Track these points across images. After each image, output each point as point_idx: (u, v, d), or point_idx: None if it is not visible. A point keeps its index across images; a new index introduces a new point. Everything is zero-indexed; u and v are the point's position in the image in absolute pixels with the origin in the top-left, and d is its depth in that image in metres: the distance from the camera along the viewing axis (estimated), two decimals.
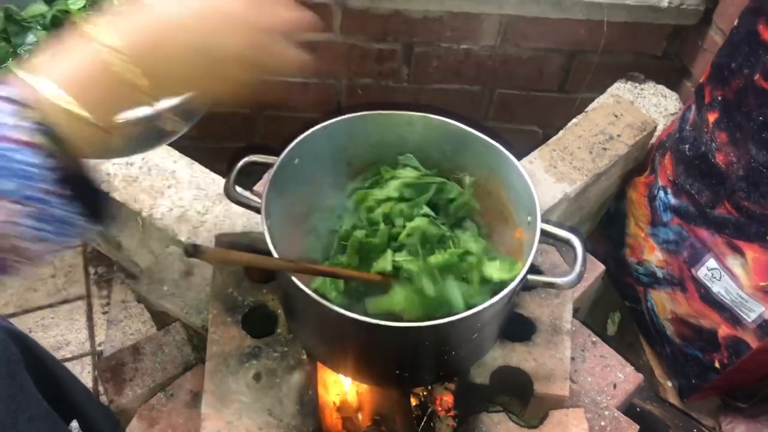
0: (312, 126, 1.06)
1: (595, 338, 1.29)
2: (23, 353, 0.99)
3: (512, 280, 0.93)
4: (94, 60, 0.57)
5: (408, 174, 1.09)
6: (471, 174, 1.11)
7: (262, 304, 1.14)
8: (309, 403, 1.04)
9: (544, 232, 0.98)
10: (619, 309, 1.65)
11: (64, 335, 1.76)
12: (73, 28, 0.58)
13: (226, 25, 0.63)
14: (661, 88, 1.72)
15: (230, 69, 0.65)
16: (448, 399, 1.36)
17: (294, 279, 0.88)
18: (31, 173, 0.52)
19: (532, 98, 1.84)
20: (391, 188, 1.06)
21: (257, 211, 1.00)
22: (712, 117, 1.18)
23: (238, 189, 1.05)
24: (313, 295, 0.87)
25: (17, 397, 0.91)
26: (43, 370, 1.10)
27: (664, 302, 1.40)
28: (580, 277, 0.97)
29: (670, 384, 1.49)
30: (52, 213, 0.54)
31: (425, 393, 1.35)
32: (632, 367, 1.26)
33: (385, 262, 1.01)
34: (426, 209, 1.07)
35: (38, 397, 0.98)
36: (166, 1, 0.62)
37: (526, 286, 0.96)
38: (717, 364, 1.30)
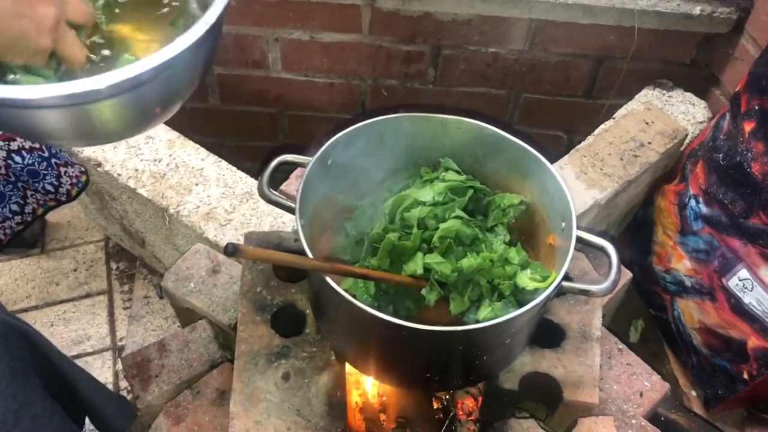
0: (336, 125, 1.05)
1: (621, 345, 1.28)
2: (28, 350, 0.98)
3: (546, 288, 0.93)
4: None
5: (453, 177, 1.08)
6: (505, 179, 1.11)
7: (290, 304, 1.14)
8: (338, 405, 1.04)
9: (579, 239, 0.97)
10: (642, 316, 1.64)
11: (85, 329, 1.77)
12: None
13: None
14: (690, 95, 1.71)
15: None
16: (469, 403, 1.35)
17: (329, 280, 0.88)
18: None
19: (558, 103, 1.83)
20: (436, 191, 1.05)
21: (290, 210, 0.99)
22: (748, 126, 1.17)
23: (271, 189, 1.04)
24: (348, 297, 0.87)
25: (19, 396, 0.90)
26: (50, 367, 1.08)
27: (691, 311, 1.39)
28: (614, 285, 0.96)
29: (694, 393, 1.48)
30: None
31: (447, 397, 1.34)
32: (659, 376, 1.24)
33: (416, 265, 1.01)
34: (459, 212, 1.06)
35: (43, 394, 0.97)
36: None
37: (558, 293, 0.95)
38: (746, 376, 1.28)
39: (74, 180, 1.41)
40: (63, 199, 1.42)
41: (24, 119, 0.68)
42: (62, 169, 1.39)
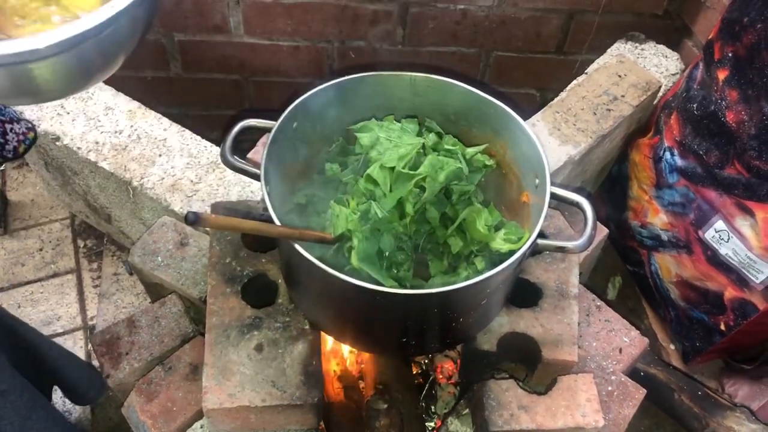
0: (303, 90, 1.01)
1: (599, 302, 1.27)
2: None
3: (521, 248, 0.91)
4: None
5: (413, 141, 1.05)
6: (476, 137, 1.08)
7: (261, 274, 1.10)
8: (313, 374, 1.01)
9: (553, 196, 0.95)
10: (620, 273, 1.63)
11: (55, 310, 1.72)
12: None
13: None
14: (662, 48, 1.68)
15: None
16: (448, 366, 1.34)
17: (298, 248, 0.85)
18: None
19: (530, 60, 1.80)
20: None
21: (255, 177, 0.96)
22: (722, 74, 1.15)
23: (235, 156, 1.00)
24: (319, 264, 0.84)
25: None
26: (16, 340, 1.06)
27: (668, 265, 1.38)
28: (590, 241, 0.94)
29: (673, 347, 1.49)
30: None
31: (426, 361, 1.33)
32: (637, 331, 1.24)
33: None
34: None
35: (10, 371, 0.94)
36: None
37: (534, 251, 0.93)
38: (723, 327, 1.28)
39: (21, 137, 1.34)
40: (9, 155, 1.36)
41: None
42: (8, 126, 1.32)
